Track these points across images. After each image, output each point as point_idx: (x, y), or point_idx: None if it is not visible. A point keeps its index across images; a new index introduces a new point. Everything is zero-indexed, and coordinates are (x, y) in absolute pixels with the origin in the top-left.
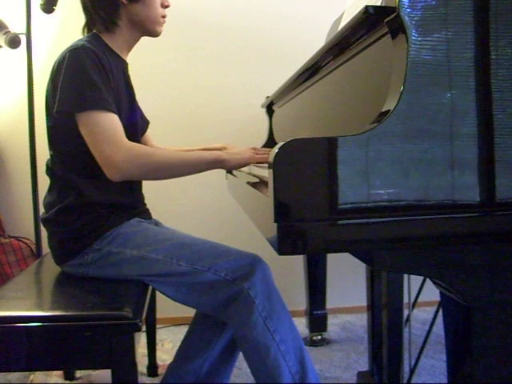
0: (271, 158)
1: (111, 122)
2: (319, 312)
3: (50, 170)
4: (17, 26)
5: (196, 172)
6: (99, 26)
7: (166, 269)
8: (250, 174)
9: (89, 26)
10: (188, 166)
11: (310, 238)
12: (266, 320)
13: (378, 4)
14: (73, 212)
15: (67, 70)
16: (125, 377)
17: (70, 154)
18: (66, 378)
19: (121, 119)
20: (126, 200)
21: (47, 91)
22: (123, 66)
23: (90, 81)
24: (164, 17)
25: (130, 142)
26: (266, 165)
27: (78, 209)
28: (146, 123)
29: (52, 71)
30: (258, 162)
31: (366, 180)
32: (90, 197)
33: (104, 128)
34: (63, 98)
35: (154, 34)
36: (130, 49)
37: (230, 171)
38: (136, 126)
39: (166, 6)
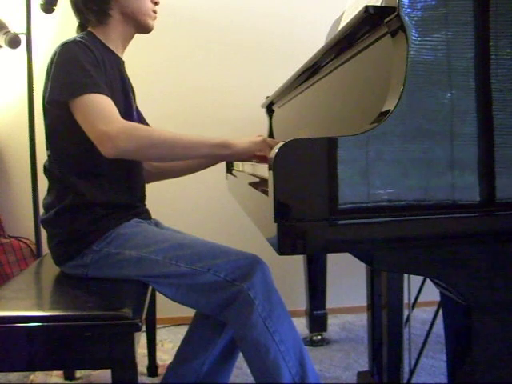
0: (271, 158)
1: (105, 102)
2: (319, 312)
3: (47, 171)
4: (17, 26)
5: (198, 155)
6: (92, 20)
7: (165, 270)
8: (250, 174)
9: (82, 27)
10: (189, 146)
11: (310, 238)
12: (265, 320)
13: (378, 4)
14: (72, 213)
15: (58, 61)
16: (125, 377)
17: (67, 153)
18: (65, 378)
19: None
20: (125, 200)
21: (44, 90)
22: (119, 63)
23: (81, 69)
24: (155, 12)
25: (124, 119)
26: (267, 164)
27: (77, 210)
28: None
29: (47, 68)
30: (261, 159)
31: (366, 180)
32: (88, 197)
33: (98, 107)
34: (54, 87)
35: (145, 27)
36: (124, 45)
37: (230, 171)
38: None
39: (156, 3)
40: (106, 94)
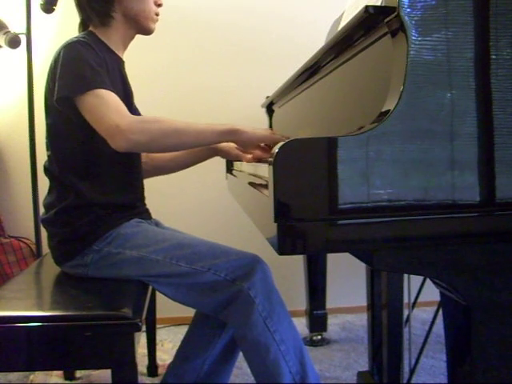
0: (271, 158)
1: (113, 97)
2: (319, 312)
3: (48, 172)
4: (17, 26)
5: (207, 143)
6: (94, 20)
7: (165, 269)
8: (250, 174)
9: (84, 24)
10: (197, 133)
11: (310, 238)
12: (265, 320)
13: (378, 4)
14: (72, 213)
15: (64, 61)
16: (125, 377)
17: (68, 153)
18: (65, 378)
19: None
20: (126, 200)
21: (46, 89)
22: (119, 63)
23: (88, 65)
24: (157, 14)
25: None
26: (267, 164)
27: (78, 210)
28: None
29: (50, 68)
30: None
31: (366, 180)
32: (89, 198)
33: (107, 101)
34: (63, 84)
35: (147, 30)
36: (125, 46)
37: (230, 171)
38: None
39: (159, 5)
40: (112, 91)
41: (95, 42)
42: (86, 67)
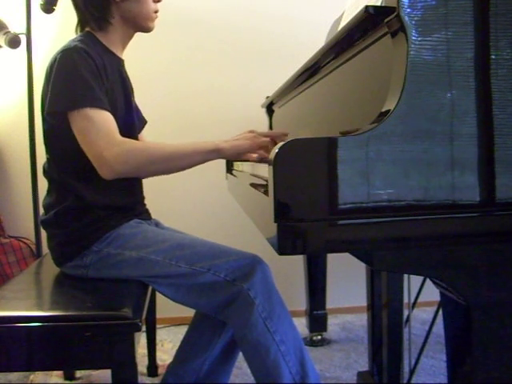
0: (271, 158)
1: (104, 119)
2: (319, 312)
3: (47, 173)
4: (17, 26)
5: (193, 164)
6: (92, 24)
7: (165, 270)
8: (250, 174)
9: (82, 24)
10: (183, 158)
11: (310, 238)
12: (265, 321)
13: (378, 4)
14: (72, 214)
15: (58, 70)
16: (125, 377)
17: (66, 157)
18: (65, 378)
19: (116, 119)
20: (125, 201)
21: (42, 94)
22: (119, 63)
23: (81, 80)
24: (156, 12)
25: (122, 137)
26: (267, 164)
27: (77, 211)
28: (142, 123)
29: (46, 74)
30: (260, 160)
31: (366, 180)
32: (88, 199)
33: (96, 125)
34: (54, 98)
35: (146, 29)
36: (124, 46)
37: (230, 171)
38: (133, 126)
39: (158, 1)
40: (105, 108)
41: (94, 44)
42: (79, 82)
